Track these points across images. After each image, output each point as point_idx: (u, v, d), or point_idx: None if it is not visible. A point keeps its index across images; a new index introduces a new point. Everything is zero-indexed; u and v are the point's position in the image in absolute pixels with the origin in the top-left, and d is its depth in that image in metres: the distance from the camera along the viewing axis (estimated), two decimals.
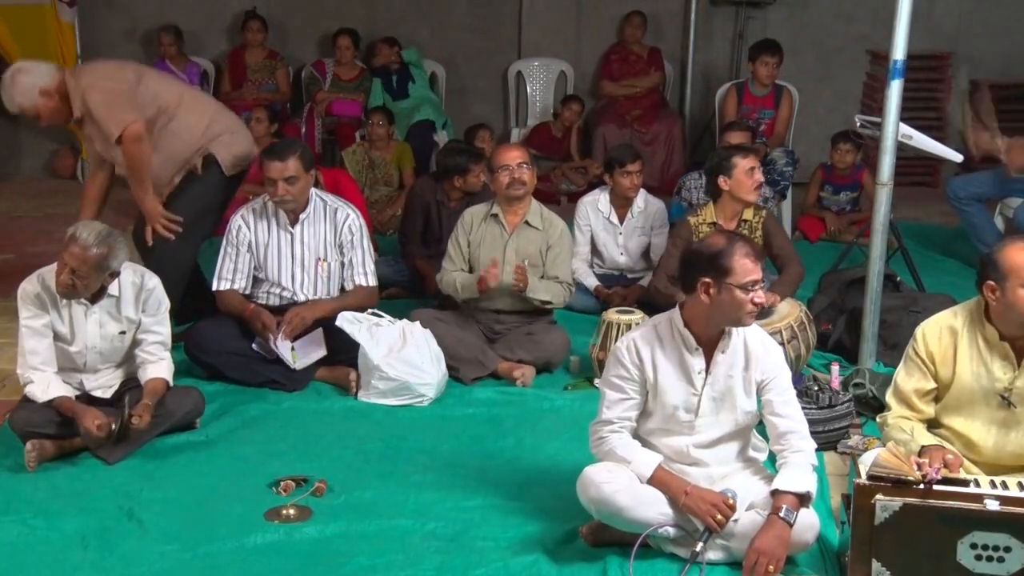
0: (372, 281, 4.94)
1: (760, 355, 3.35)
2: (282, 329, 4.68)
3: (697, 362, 3.33)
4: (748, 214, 5.15)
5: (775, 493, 3.22)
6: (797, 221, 7.25)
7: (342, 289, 4.95)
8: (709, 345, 3.34)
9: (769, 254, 5.25)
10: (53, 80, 4.69)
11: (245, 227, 4.87)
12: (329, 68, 8.24)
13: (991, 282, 3.27)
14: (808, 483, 3.24)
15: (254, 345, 4.74)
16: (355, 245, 4.89)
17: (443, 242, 5.46)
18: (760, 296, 3.24)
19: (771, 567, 3.12)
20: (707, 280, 3.25)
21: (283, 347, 4.69)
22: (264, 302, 4.89)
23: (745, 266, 3.22)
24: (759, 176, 5.08)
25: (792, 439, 3.30)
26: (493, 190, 5.10)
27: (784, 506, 3.18)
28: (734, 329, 3.33)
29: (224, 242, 4.91)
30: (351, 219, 4.89)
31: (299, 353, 4.73)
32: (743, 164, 5.03)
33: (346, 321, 4.63)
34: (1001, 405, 3.33)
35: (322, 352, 4.77)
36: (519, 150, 5.01)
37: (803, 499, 3.22)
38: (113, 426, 3.94)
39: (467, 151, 5.93)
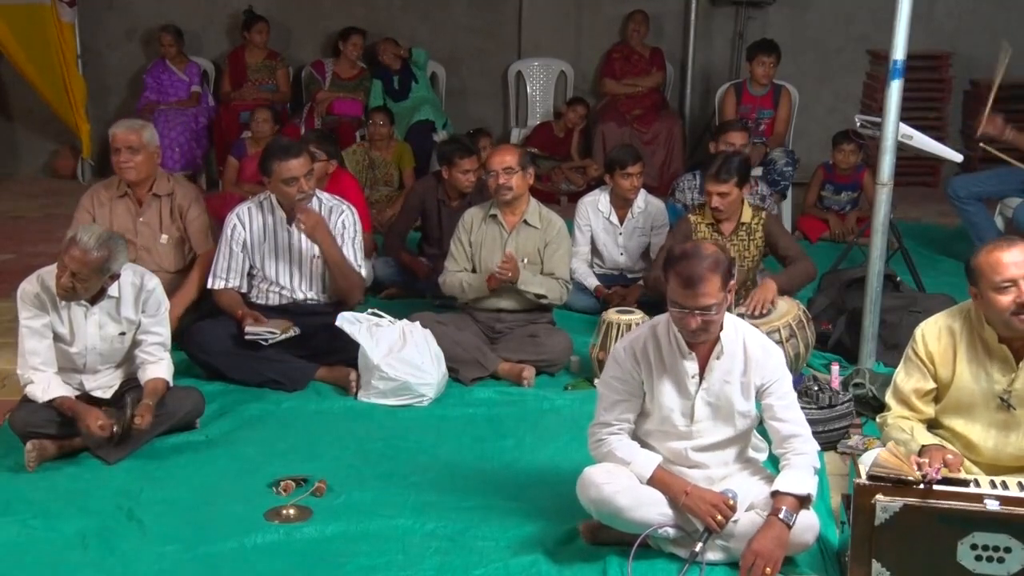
0: (365, 272, 5.01)
1: (760, 359, 3.32)
2: (304, 216, 4.70)
3: (690, 366, 3.32)
4: (747, 216, 5.15)
5: (775, 494, 3.21)
6: (797, 221, 7.25)
7: None
8: (702, 349, 3.33)
9: (776, 256, 5.26)
10: None
11: (240, 226, 4.88)
12: (328, 67, 8.24)
13: (972, 288, 3.31)
14: (808, 485, 3.23)
15: (247, 336, 4.68)
16: (345, 240, 4.89)
17: (443, 241, 5.46)
18: (687, 322, 3.18)
19: (768, 569, 3.12)
20: (663, 278, 3.29)
21: (272, 325, 4.71)
22: (264, 301, 4.90)
23: (675, 285, 3.18)
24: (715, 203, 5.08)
25: (795, 442, 3.30)
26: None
27: (784, 508, 3.17)
28: (726, 333, 3.31)
29: (220, 240, 4.92)
30: (345, 215, 4.92)
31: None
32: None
33: (346, 321, 4.63)
34: (1000, 407, 3.33)
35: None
36: (510, 153, 4.96)
37: (803, 501, 3.22)
38: (115, 428, 3.94)
39: (460, 143, 5.94)
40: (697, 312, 3.17)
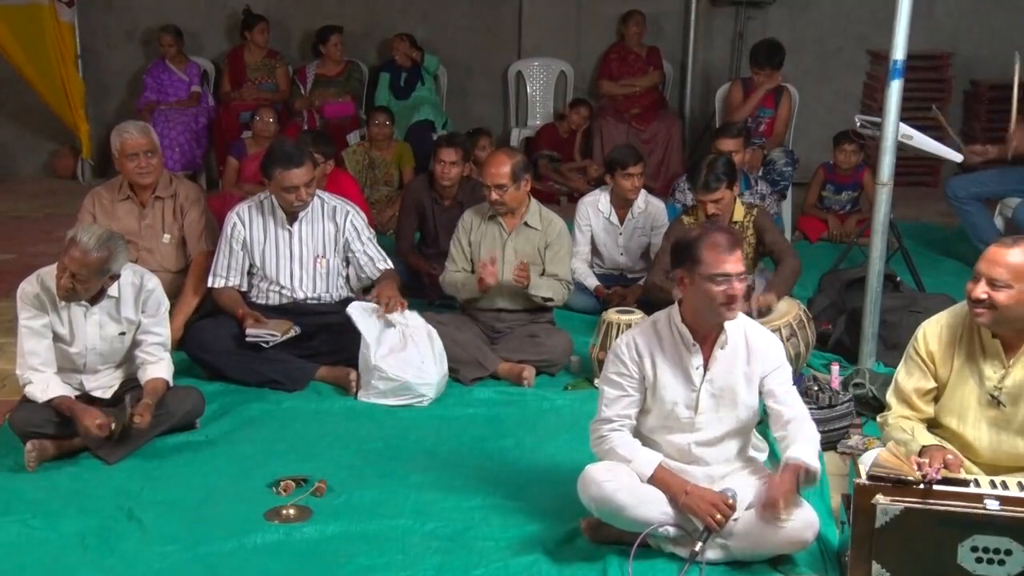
0: (391, 263, 5.02)
1: (762, 348, 3.36)
2: (393, 309, 4.64)
3: (695, 358, 3.34)
4: (739, 214, 5.16)
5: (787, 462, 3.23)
6: (797, 221, 7.25)
7: (348, 285, 5.00)
8: (707, 341, 3.34)
9: (762, 249, 5.25)
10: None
11: (240, 224, 4.88)
12: (311, 71, 8.21)
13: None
14: (816, 459, 3.25)
15: (248, 338, 4.68)
16: (364, 241, 4.93)
17: (439, 241, 5.45)
18: (734, 289, 3.20)
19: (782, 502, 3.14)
20: (681, 271, 3.28)
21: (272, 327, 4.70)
22: (264, 301, 4.91)
23: (713, 256, 3.20)
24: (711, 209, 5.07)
25: (800, 421, 3.32)
26: None
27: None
28: (730, 324, 3.32)
29: (220, 239, 4.92)
30: (351, 216, 4.92)
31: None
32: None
33: (356, 311, 4.62)
34: (991, 404, 3.33)
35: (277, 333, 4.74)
36: (504, 166, 4.85)
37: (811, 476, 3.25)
38: (113, 425, 3.94)
39: (450, 137, 5.98)
40: (740, 277, 3.21)
